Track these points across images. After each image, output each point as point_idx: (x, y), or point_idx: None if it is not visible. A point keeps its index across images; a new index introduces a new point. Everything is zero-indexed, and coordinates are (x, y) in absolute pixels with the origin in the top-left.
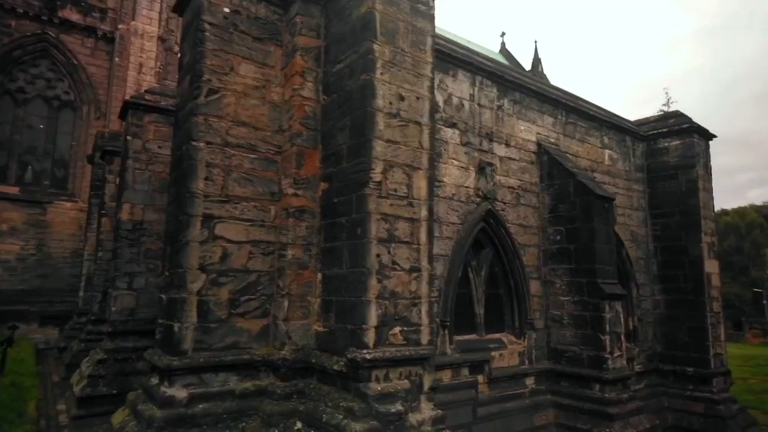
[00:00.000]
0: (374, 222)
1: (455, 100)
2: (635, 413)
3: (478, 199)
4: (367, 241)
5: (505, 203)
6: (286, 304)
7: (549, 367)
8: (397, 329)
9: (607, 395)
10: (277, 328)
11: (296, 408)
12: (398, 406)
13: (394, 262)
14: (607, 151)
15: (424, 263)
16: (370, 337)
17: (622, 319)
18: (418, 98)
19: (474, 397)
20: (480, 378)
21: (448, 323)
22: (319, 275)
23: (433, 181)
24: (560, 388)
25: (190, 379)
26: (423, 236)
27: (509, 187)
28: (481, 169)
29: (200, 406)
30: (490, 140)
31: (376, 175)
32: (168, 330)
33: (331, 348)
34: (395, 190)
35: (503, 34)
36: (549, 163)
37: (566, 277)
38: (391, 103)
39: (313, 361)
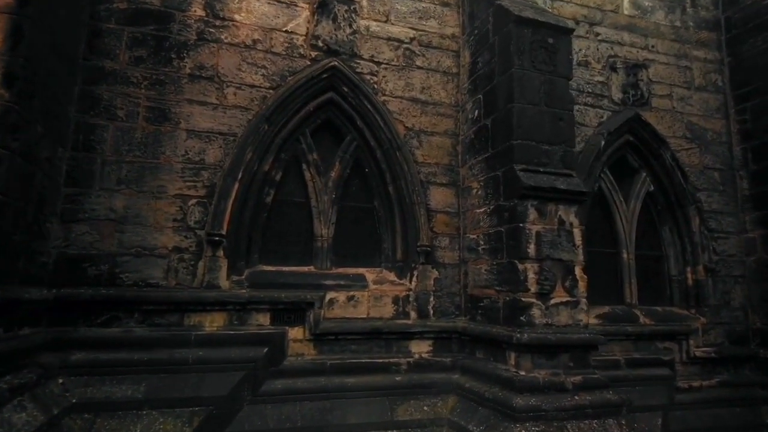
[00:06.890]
0: None
1: None
2: (589, 414)
3: (315, 53)
4: None
5: (379, 64)
6: None
7: (461, 325)
8: None
9: (522, 373)
10: None
11: None
12: None
13: None
14: None
15: None
16: None
17: (576, 239)
18: None
19: (257, 358)
20: (294, 332)
21: (221, 238)
22: None
23: None
24: (473, 361)
25: None
26: None
27: (390, 39)
28: (323, 6)
29: None
30: None
31: None
32: None
33: None
34: None
35: None
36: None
37: (483, 175)
38: None
39: None
